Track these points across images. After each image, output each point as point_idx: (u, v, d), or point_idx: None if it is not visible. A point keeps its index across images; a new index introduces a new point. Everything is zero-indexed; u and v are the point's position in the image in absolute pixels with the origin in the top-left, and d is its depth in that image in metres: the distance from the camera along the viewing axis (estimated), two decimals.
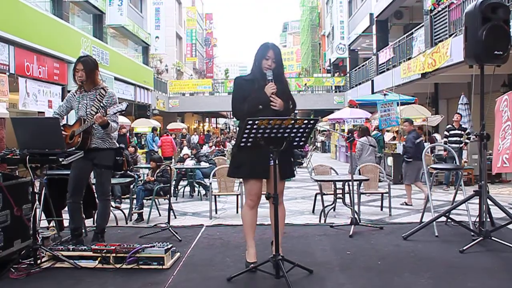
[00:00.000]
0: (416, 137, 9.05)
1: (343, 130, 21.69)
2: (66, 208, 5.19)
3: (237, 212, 8.09)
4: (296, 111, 31.30)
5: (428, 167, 7.58)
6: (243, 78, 4.29)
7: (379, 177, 8.52)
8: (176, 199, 10.15)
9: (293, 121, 3.64)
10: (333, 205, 7.69)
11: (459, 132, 11.28)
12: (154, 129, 19.11)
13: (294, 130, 3.68)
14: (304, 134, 3.75)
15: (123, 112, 4.88)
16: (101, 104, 4.87)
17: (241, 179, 6.13)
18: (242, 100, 4.09)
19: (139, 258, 4.18)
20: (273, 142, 3.68)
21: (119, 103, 4.92)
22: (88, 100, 4.92)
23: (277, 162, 3.80)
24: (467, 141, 11.53)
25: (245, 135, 3.63)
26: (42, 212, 5.42)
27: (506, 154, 7.78)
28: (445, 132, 11.64)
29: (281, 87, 4.14)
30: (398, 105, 14.09)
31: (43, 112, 12.80)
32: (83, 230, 5.32)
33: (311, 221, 7.09)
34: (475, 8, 4.86)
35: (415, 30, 17.67)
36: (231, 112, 4.50)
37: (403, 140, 11.55)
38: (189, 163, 11.17)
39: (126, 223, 7.45)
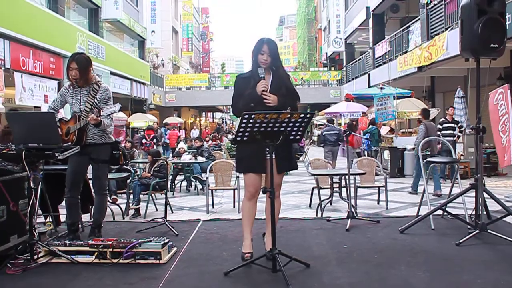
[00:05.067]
0: (327, 130, 12.57)
1: (339, 124, 21.70)
2: (62, 203, 5.18)
3: (234, 206, 8.09)
4: None
5: (425, 160, 7.59)
6: (241, 77, 4.34)
7: (376, 170, 8.53)
8: (173, 194, 10.16)
9: (289, 115, 3.63)
10: (330, 199, 7.71)
11: (452, 125, 11.32)
12: (166, 124, 22.41)
13: (291, 124, 3.68)
14: (301, 128, 3.74)
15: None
16: (95, 100, 4.86)
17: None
18: (239, 98, 4.15)
19: (136, 253, 4.18)
20: (269, 136, 3.68)
21: (114, 103, 4.96)
22: (82, 96, 4.90)
23: (274, 156, 3.80)
24: (459, 134, 11.57)
25: (241, 129, 3.63)
26: (39, 207, 5.42)
27: None
28: (439, 125, 11.66)
29: (278, 82, 4.15)
30: (394, 98, 14.11)
31: (39, 107, 12.75)
32: (80, 225, 5.32)
33: (307, 215, 7.09)
34: (471, 1, 4.85)
35: (411, 24, 17.64)
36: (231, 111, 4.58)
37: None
38: (186, 158, 11.16)
39: (123, 218, 7.45)
